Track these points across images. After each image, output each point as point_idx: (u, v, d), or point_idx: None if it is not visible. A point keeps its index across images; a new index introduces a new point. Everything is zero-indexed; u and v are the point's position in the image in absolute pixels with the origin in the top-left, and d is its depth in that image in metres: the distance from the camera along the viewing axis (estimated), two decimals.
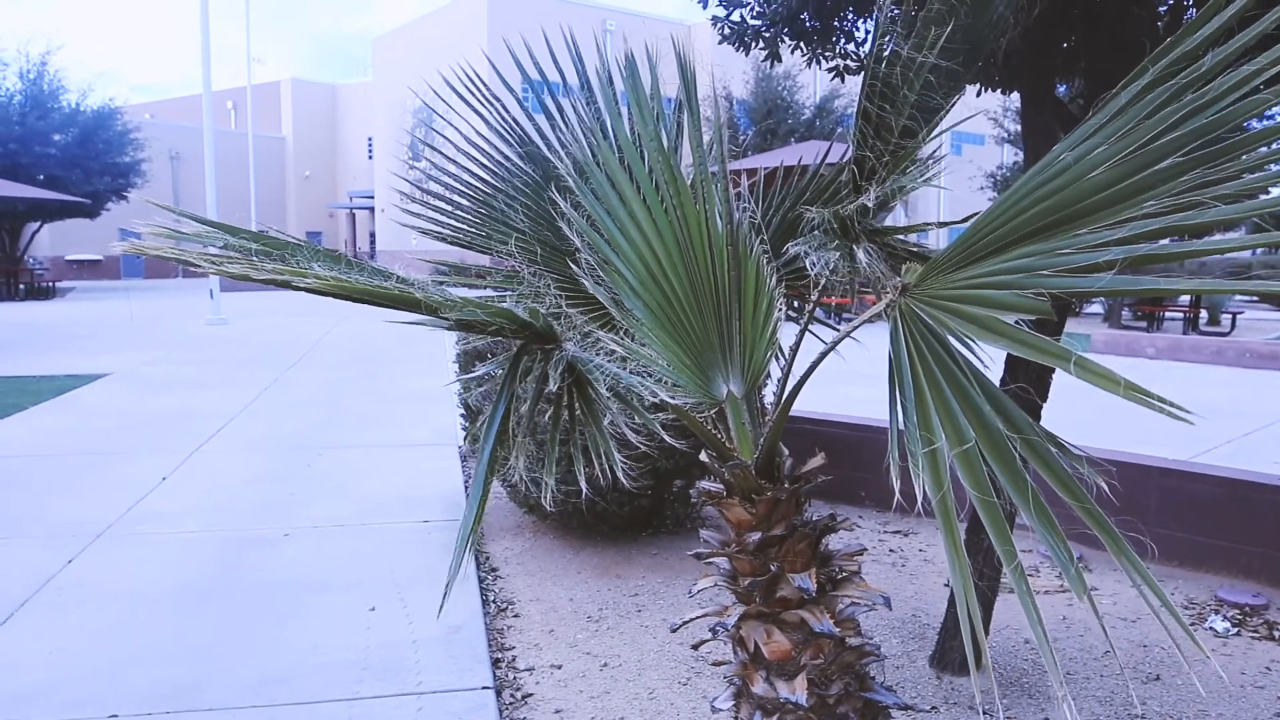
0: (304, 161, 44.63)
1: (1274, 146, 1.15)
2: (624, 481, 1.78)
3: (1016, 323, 1.26)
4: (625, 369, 1.74)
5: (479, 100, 2.26)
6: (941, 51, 1.53)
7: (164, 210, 1.53)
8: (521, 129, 2.30)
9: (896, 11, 1.60)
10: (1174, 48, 1.24)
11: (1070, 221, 1.29)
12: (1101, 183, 1.26)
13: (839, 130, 25.06)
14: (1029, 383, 2.79)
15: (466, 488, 5.36)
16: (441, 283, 2.25)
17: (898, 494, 1.26)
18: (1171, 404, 1.08)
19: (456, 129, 2.30)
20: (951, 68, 1.56)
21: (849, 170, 1.77)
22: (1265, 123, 1.23)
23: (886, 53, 1.58)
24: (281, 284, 1.23)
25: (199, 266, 1.23)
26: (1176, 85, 1.20)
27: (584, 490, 1.88)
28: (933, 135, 1.69)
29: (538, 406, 1.70)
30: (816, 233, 1.83)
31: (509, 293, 2.11)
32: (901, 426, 1.37)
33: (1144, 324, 16.18)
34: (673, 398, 1.71)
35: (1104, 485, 1.18)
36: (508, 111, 2.28)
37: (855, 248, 1.73)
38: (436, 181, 2.28)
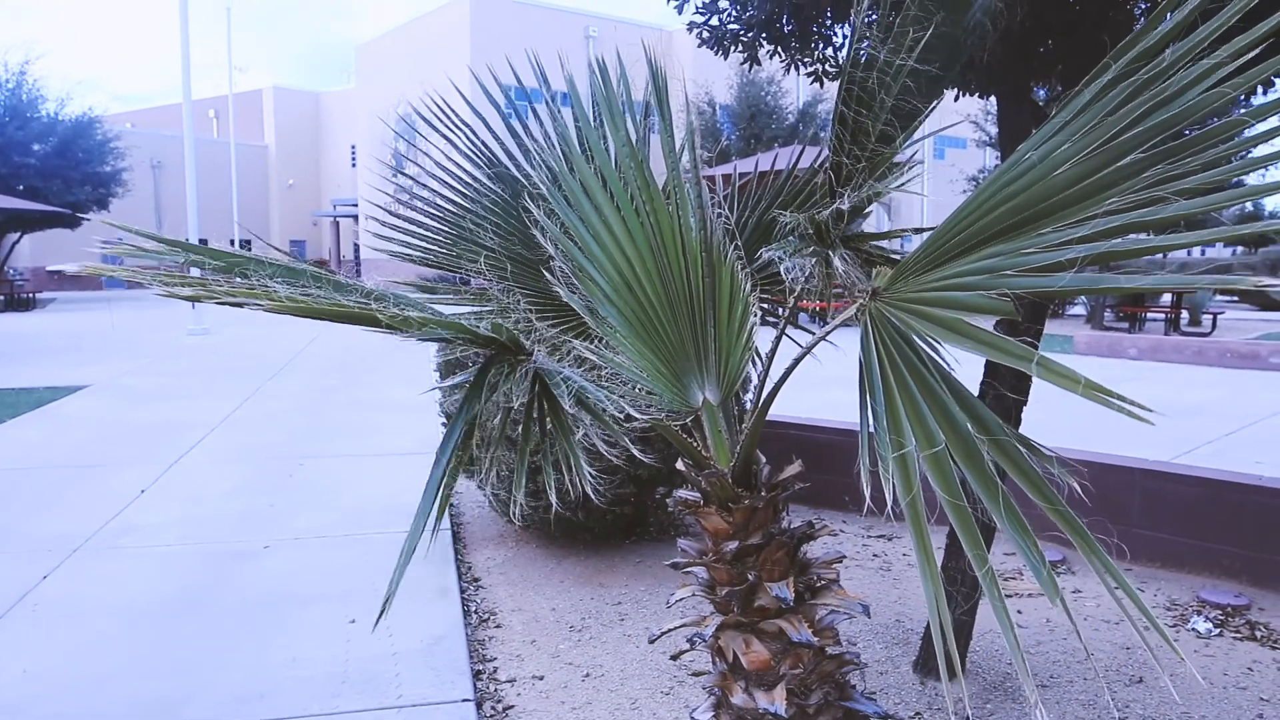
0: (287, 170, 44.45)
1: (1234, 141, 1.14)
2: (594, 499, 1.76)
3: (995, 325, 1.25)
4: (599, 378, 1.72)
5: (448, 127, 2.25)
6: (919, 57, 1.52)
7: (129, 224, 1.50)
8: (490, 152, 2.29)
9: (874, 16, 1.59)
10: (1135, 44, 1.24)
11: (1035, 220, 1.28)
12: (1065, 180, 1.25)
13: (822, 135, 25.13)
14: (1008, 386, 2.78)
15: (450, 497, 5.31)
16: (420, 289, 2.23)
17: (868, 499, 1.24)
18: (1131, 403, 1.07)
19: (428, 155, 2.29)
20: (928, 71, 1.55)
21: (825, 175, 1.76)
22: (1239, 113, 1.22)
23: (863, 58, 1.57)
24: (236, 305, 1.21)
25: (147, 286, 1.21)
26: (1138, 81, 1.20)
27: (554, 505, 1.85)
28: (911, 141, 1.68)
29: (509, 421, 1.67)
30: (791, 238, 1.82)
31: (480, 309, 2.10)
32: (871, 430, 1.35)
33: (1126, 325, 16.28)
34: (647, 407, 1.69)
35: (1077, 486, 1.17)
36: (477, 136, 2.28)
37: (831, 254, 1.72)
38: (408, 205, 2.27)
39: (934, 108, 1.65)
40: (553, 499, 1.54)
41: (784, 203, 2.24)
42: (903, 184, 1.68)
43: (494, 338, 1.47)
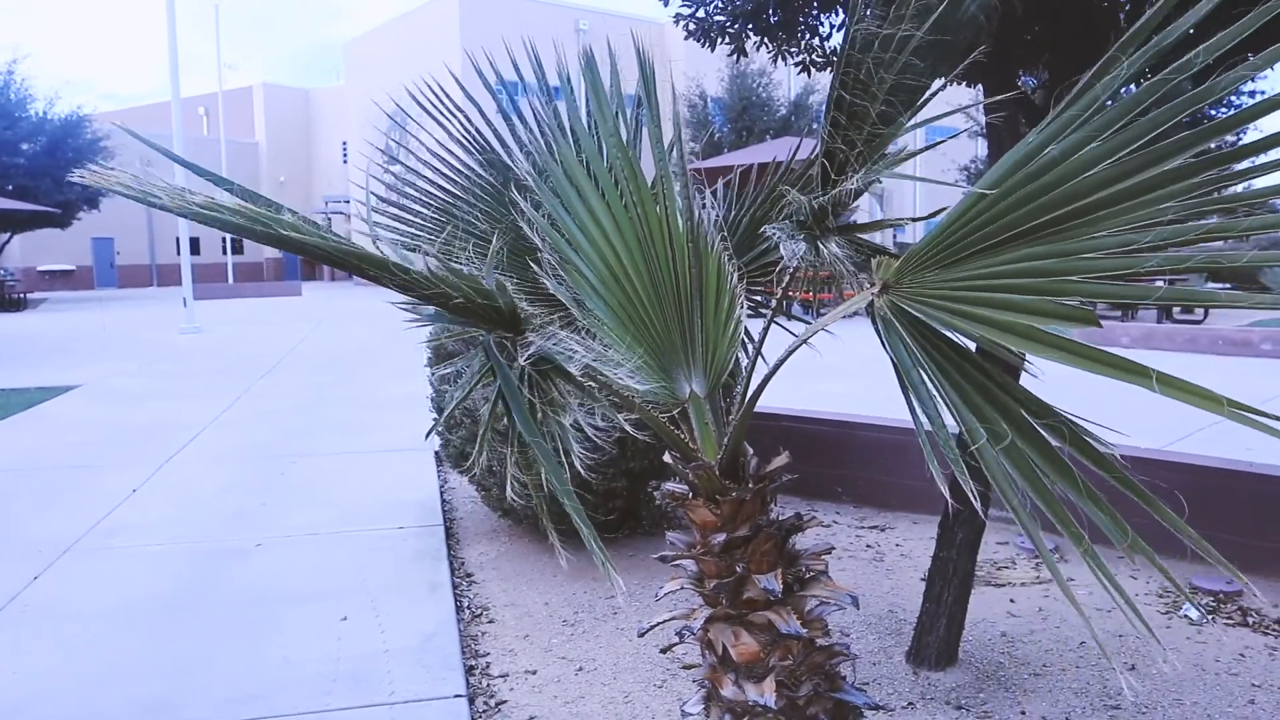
0: (278, 167, 44.25)
1: None
2: (584, 474, 1.75)
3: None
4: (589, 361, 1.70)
5: (441, 113, 2.24)
6: (911, 55, 1.49)
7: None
8: (483, 138, 2.27)
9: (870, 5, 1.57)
10: (1141, 39, 1.20)
11: (1075, 219, 1.24)
12: (1101, 180, 1.21)
13: (814, 127, 25.06)
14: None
15: (442, 492, 5.31)
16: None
17: (950, 501, 1.25)
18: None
19: (420, 141, 2.28)
20: (915, 64, 1.53)
21: (819, 163, 1.74)
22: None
23: (860, 39, 1.55)
24: (247, 230, 1.21)
25: (160, 199, 1.21)
26: (1171, 83, 1.17)
27: (543, 484, 1.85)
28: (904, 130, 1.66)
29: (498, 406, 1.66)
30: (788, 222, 1.80)
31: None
32: (929, 428, 1.33)
33: (1119, 314, 16.30)
34: (635, 397, 1.68)
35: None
36: (470, 121, 2.26)
37: (822, 244, 1.70)
38: (398, 192, 2.26)
39: (937, 90, 1.64)
40: (543, 473, 1.53)
41: (776, 196, 2.22)
42: (898, 163, 1.65)
43: (494, 294, 1.46)
